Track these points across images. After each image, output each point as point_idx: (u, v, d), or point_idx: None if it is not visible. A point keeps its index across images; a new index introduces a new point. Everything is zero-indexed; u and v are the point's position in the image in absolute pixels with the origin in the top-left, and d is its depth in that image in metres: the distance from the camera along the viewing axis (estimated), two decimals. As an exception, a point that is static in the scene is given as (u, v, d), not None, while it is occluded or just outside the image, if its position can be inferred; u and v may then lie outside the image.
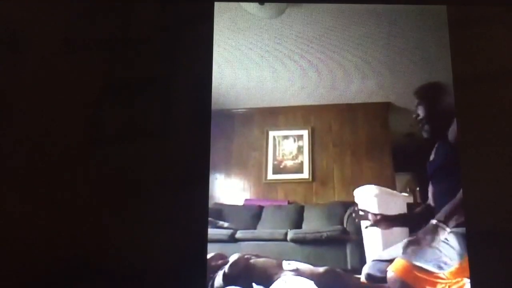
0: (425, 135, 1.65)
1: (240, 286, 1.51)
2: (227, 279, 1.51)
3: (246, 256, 1.57)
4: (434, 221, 1.54)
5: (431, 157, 1.63)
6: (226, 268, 1.53)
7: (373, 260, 1.56)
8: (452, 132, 1.60)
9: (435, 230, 1.53)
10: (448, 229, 1.52)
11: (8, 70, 1.60)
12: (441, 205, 1.57)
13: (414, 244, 1.53)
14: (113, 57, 1.62)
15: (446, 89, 1.64)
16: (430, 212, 1.58)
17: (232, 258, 1.56)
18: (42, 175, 1.52)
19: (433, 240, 1.52)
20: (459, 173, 1.56)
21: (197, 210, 1.55)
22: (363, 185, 1.65)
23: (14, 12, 1.62)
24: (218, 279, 1.51)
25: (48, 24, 1.63)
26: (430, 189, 1.61)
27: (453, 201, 1.55)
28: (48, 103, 1.57)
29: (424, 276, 1.49)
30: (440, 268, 1.49)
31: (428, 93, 1.66)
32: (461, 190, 1.54)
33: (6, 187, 1.51)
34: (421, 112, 1.65)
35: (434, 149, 1.63)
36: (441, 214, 1.55)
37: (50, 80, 1.59)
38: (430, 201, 1.60)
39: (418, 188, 1.66)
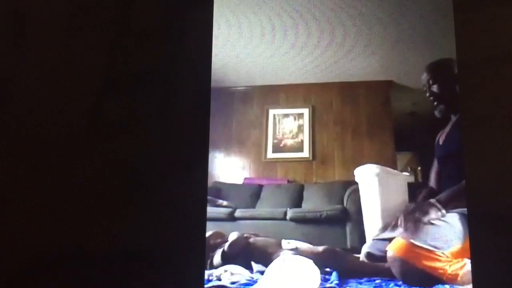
0: (438, 114, 1.62)
1: (239, 265, 1.51)
2: (226, 257, 1.51)
3: (245, 235, 1.56)
4: (432, 200, 1.53)
5: (441, 140, 1.60)
6: (225, 246, 1.53)
7: (373, 239, 1.55)
8: None
9: (430, 209, 1.52)
10: (444, 211, 1.51)
11: (8, 62, 1.58)
12: (445, 189, 1.55)
13: (410, 221, 1.52)
14: (114, 46, 1.60)
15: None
16: (433, 196, 1.56)
17: (232, 237, 1.56)
18: (41, 164, 1.51)
19: (427, 218, 1.51)
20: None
21: (196, 188, 1.54)
22: (363, 164, 1.64)
23: (15, 3, 1.61)
24: (217, 257, 1.51)
25: (49, 15, 1.61)
26: (434, 171, 1.60)
27: (457, 186, 1.53)
28: (49, 94, 1.56)
29: (425, 254, 1.48)
30: (440, 247, 1.48)
31: (442, 69, 1.62)
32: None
33: (5, 175, 1.51)
34: (435, 89, 1.61)
35: (445, 133, 1.60)
36: (442, 196, 1.54)
37: (50, 72, 1.58)
38: (432, 183, 1.59)
39: (419, 168, 1.65)
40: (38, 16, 1.61)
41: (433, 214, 1.52)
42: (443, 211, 1.51)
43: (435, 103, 1.61)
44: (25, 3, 1.62)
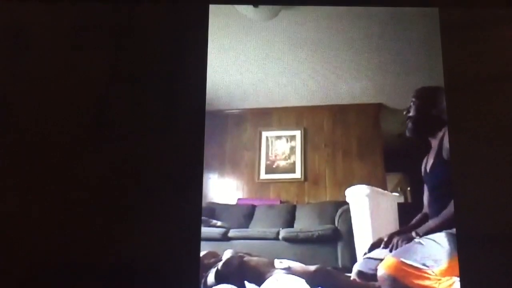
0: (408, 133, 1.67)
1: (233, 284, 1.52)
2: (219, 277, 1.52)
3: (239, 254, 1.58)
4: (413, 234, 1.57)
5: (428, 168, 1.64)
6: (219, 265, 1.54)
7: (364, 258, 1.57)
8: (445, 149, 1.61)
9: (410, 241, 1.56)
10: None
11: (13, 64, 1.61)
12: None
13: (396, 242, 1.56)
14: (118, 51, 1.64)
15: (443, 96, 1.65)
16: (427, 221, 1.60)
17: (226, 256, 1.58)
18: (44, 170, 1.53)
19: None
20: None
21: (191, 209, 1.57)
22: (354, 185, 1.67)
23: (20, 7, 1.64)
24: (211, 277, 1.52)
25: (54, 19, 1.65)
26: (426, 199, 1.63)
27: (438, 219, 1.57)
28: (53, 98, 1.59)
29: (414, 273, 1.50)
30: (430, 266, 1.51)
31: (424, 95, 1.67)
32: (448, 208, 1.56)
33: (9, 180, 1.53)
34: (412, 110, 1.67)
35: (431, 162, 1.64)
36: (421, 230, 1.57)
37: (54, 75, 1.61)
38: (426, 210, 1.62)
39: (408, 188, 1.67)
40: (41, 21, 1.64)
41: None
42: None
43: (407, 121, 1.66)
44: (29, 7, 1.65)
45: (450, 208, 1.55)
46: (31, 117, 1.57)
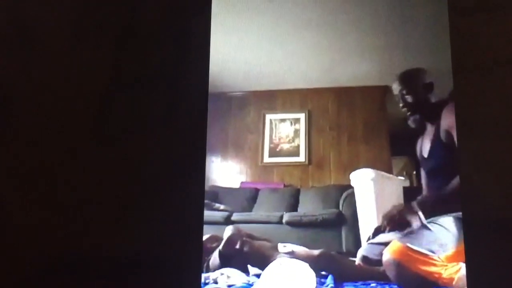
0: (412, 124, 1.63)
1: (235, 268, 1.52)
2: (222, 257, 1.51)
3: (240, 231, 1.57)
4: (413, 204, 1.55)
5: (425, 152, 1.62)
6: (220, 246, 1.54)
7: (369, 243, 1.56)
8: (443, 131, 1.58)
9: (410, 214, 1.54)
10: (420, 214, 1.53)
11: (15, 63, 1.60)
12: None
13: (398, 224, 1.54)
14: (119, 49, 1.62)
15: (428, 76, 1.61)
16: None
17: (226, 234, 1.56)
18: (46, 168, 1.52)
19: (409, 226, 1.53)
20: (453, 172, 1.55)
21: (194, 192, 1.55)
22: (359, 168, 1.65)
23: (22, 5, 1.63)
24: (214, 259, 1.51)
25: (54, 19, 1.63)
26: (425, 182, 1.61)
27: (440, 192, 1.55)
28: (53, 97, 1.58)
29: (420, 259, 1.49)
30: (436, 251, 1.49)
31: (414, 80, 1.64)
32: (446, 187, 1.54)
33: (10, 180, 1.52)
34: (409, 99, 1.63)
35: (429, 146, 1.61)
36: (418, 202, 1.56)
37: (55, 74, 1.59)
38: (425, 192, 1.60)
39: (414, 172, 1.66)
40: (43, 19, 1.63)
41: (412, 218, 1.53)
42: (420, 213, 1.53)
43: (409, 113, 1.63)
44: (30, 5, 1.64)
45: (447, 190, 1.53)
46: (32, 115, 1.56)
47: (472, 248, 1.49)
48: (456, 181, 1.52)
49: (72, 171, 1.53)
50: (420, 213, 1.54)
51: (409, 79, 1.63)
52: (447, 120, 1.57)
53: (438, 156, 1.58)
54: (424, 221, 1.53)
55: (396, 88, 1.64)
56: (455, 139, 1.48)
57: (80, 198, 1.51)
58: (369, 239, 1.57)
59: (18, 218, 1.50)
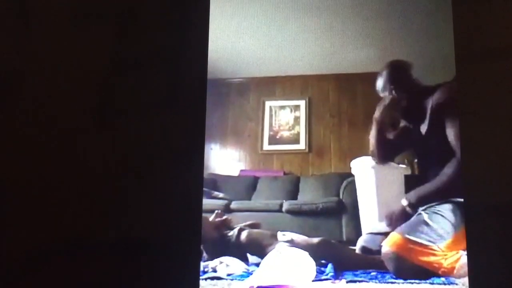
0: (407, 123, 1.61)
1: (235, 257, 1.51)
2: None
3: (218, 212, 1.54)
4: (405, 202, 1.54)
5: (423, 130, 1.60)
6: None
7: (368, 233, 1.55)
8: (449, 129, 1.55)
9: (403, 212, 1.53)
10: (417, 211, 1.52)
11: (14, 50, 1.58)
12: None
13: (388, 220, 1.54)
14: (120, 30, 1.60)
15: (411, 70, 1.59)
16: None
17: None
18: (50, 147, 1.51)
19: (401, 220, 1.52)
20: (446, 162, 1.53)
21: (192, 179, 1.54)
22: (360, 156, 1.64)
23: None
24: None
25: (55, 4, 1.61)
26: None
27: (428, 186, 1.54)
28: (57, 77, 1.56)
29: (420, 250, 1.48)
30: (434, 241, 1.48)
31: (403, 75, 1.61)
32: (437, 178, 1.52)
33: (17, 159, 1.51)
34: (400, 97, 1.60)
35: (424, 131, 1.60)
36: (411, 196, 1.54)
37: (58, 54, 1.57)
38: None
39: (416, 160, 1.64)
40: (43, 5, 1.61)
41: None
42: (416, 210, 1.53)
43: (402, 114, 1.60)
44: None
45: (442, 177, 1.52)
46: (39, 94, 1.54)
47: (473, 236, 1.48)
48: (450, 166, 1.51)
49: (72, 153, 1.52)
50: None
51: (397, 76, 1.60)
52: (437, 97, 1.55)
53: (436, 147, 1.57)
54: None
55: (380, 85, 1.61)
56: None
57: (80, 180, 1.50)
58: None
59: (19, 199, 1.49)
